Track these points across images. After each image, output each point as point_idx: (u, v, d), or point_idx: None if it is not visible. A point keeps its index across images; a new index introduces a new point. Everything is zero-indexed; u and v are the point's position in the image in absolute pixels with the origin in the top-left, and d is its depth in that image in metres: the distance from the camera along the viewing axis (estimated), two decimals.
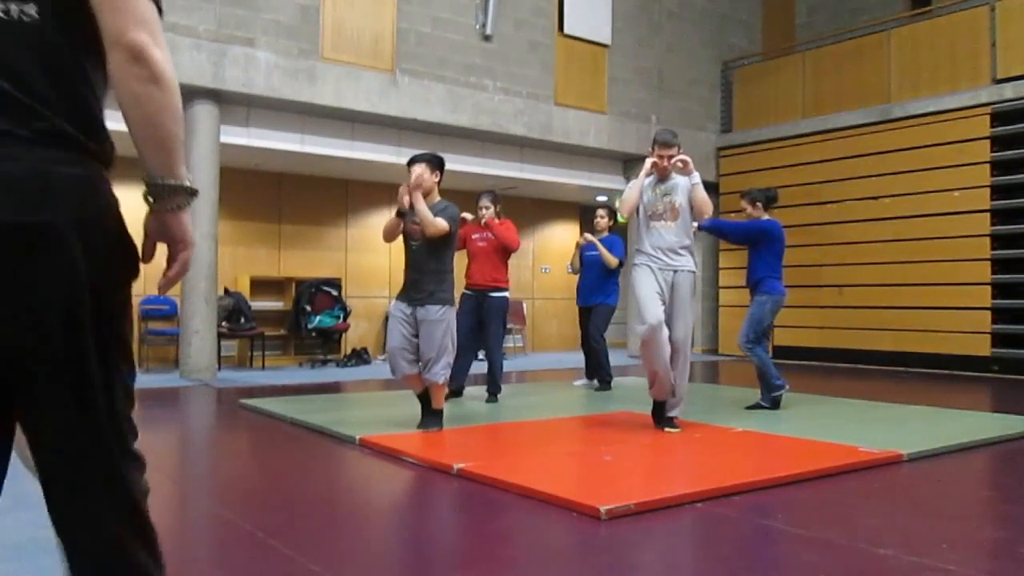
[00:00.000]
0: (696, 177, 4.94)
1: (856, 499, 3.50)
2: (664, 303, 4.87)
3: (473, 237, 6.46)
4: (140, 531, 1.33)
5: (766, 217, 6.10)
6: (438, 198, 4.86)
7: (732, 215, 12.25)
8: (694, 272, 5.01)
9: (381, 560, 2.74)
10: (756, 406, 5.95)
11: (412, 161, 4.90)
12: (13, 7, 1.24)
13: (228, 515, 3.14)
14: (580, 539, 2.92)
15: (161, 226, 1.38)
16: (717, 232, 6.63)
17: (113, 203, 1.34)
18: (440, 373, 4.77)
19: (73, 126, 1.29)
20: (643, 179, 5.05)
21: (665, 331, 4.80)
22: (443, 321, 4.73)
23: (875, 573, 2.52)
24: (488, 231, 6.39)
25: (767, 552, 2.79)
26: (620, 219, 7.22)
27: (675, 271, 4.92)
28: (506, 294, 6.47)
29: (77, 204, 1.24)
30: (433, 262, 4.76)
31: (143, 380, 8.12)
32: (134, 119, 1.35)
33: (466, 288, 6.46)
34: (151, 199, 1.37)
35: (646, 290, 4.87)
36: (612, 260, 7.07)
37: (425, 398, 4.95)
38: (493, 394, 6.42)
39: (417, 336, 4.79)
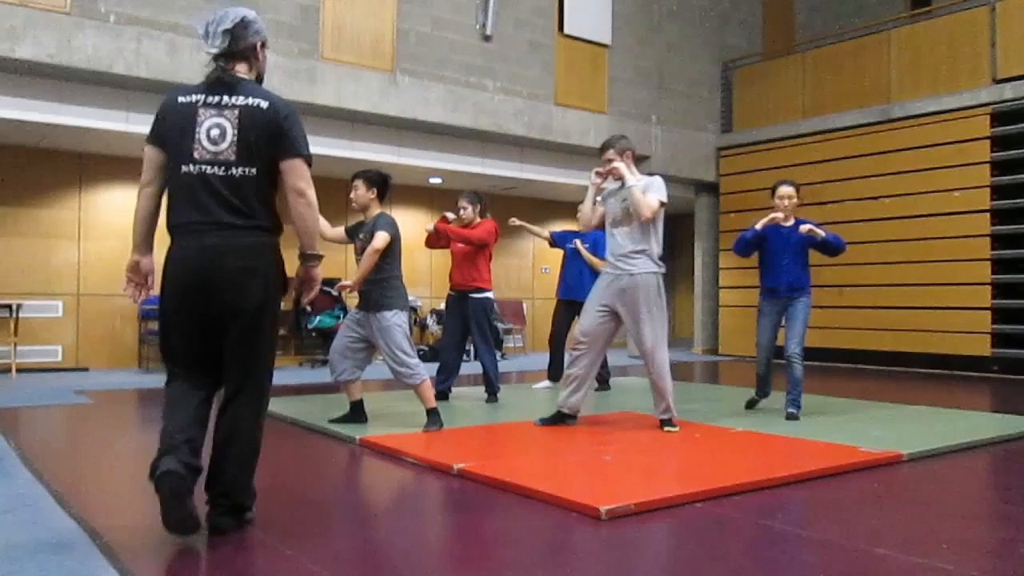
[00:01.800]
0: (631, 180, 4.93)
1: (856, 499, 3.50)
2: (614, 312, 5.00)
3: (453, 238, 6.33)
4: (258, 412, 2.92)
5: None
6: (376, 210, 5.05)
7: (732, 215, 12.26)
8: (653, 273, 4.93)
9: (381, 560, 2.74)
10: (792, 416, 5.48)
11: (353, 176, 5.11)
12: (245, 169, 2.78)
13: None
14: (580, 539, 2.92)
15: (304, 274, 2.96)
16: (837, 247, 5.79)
17: (280, 256, 2.89)
18: (413, 375, 4.89)
19: (265, 221, 2.84)
20: (592, 191, 5.14)
21: (589, 342, 5.04)
22: (397, 324, 4.91)
23: (875, 573, 2.52)
24: (467, 231, 6.25)
25: (767, 552, 2.79)
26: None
27: (630, 275, 4.93)
28: (488, 294, 6.39)
29: (268, 257, 2.84)
30: (377, 272, 4.93)
31: (143, 380, 8.14)
32: (296, 221, 2.86)
33: (450, 289, 6.47)
34: (302, 260, 2.92)
35: (589, 302, 5.11)
36: (598, 263, 7.04)
37: (358, 405, 5.15)
38: (492, 394, 6.41)
39: (363, 342, 5.06)
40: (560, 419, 5.15)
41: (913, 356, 10.10)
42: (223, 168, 2.75)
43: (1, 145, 8.76)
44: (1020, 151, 9.38)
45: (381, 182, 5.06)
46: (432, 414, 4.95)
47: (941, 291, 9.89)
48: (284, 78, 8.35)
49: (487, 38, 10.07)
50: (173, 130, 2.78)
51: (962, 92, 9.93)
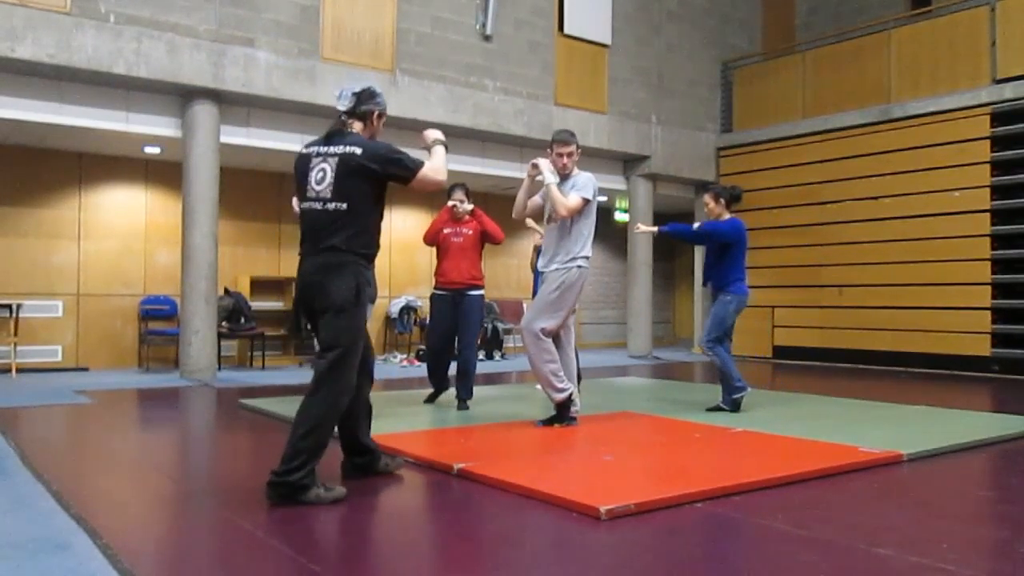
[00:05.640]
0: (549, 178, 5.01)
1: (856, 499, 3.50)
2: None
3: (446, 232, 6.00)
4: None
5: (728, 216, 5.91)
6: None
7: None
8: (569, 269, 4.98)
9: (381, 560, 2.74)
10: (716, 408, 5.77)
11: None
12: (334, 205, 3.37)
13: (228, 515, 3.14)
14: (580, 539, 2.92)
15: None
16: (679, 236, 6.40)
17: (353, 271, 3.36)
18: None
19: (344, 245, 3.36)
20: (527, 183, 5.18)
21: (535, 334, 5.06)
22: None
23: (875, 573, 2.52)
24: (463, 225, 6.01)
25: (767, 552, 2.79)
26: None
27: (553, 269, 5.06)
28: (483, 292, 6.04)
29: (333, 272, 3.35)
30: None
31: (143, 380, 8.14)
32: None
33: (438, 288, 6.01)
34: None
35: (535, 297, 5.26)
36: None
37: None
38: (464, 400, 5.88)
39: None
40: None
41: (913, 356, 10.10)
42: (321, 204, 3.38)
43: (1, 145, 8.76)
44: (1020, 151, 9.38)
45: None
46: None
47: (941, 291, 9.89)
48: (284, 78, 8.35)
49: (487, 38, 10.06)
50: (297, 174, 3.49)
51: (962, 92, 9.93)
